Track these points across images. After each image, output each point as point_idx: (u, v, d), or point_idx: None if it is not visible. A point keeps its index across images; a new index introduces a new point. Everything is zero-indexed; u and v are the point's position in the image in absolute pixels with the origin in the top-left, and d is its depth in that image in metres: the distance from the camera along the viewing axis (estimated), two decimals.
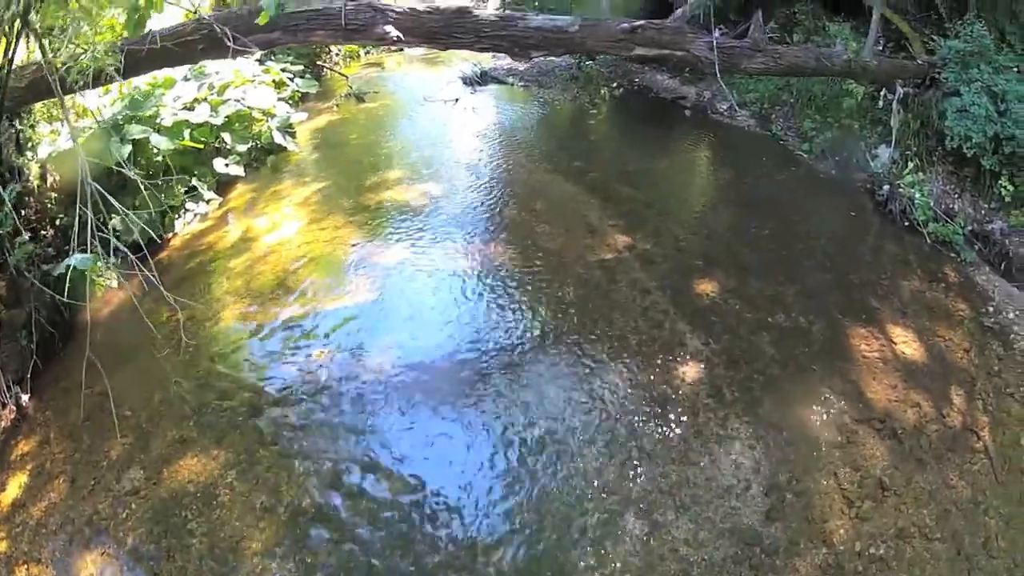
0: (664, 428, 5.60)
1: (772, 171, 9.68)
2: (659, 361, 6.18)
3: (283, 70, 12.27)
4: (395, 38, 6.49)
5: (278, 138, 10.43)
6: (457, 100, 12.21)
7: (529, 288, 7.07)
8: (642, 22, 7.05)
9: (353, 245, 7.92)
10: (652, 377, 6.02)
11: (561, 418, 5.69)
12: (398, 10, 6.66)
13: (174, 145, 8.74)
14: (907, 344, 6.59)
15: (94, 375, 5.80)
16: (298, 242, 8.08)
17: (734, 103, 11.22)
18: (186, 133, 9.12)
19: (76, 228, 5.79)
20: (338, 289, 7.23)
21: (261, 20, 5.29)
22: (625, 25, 7.07)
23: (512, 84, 13.17)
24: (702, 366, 6.12)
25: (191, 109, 9.65)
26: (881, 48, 9.61)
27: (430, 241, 7.93)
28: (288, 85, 12.17)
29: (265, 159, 10.47)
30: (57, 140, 7.69)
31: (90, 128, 8.11)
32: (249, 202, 9.36)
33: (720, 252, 7.72)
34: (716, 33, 7.50)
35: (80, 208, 5.75)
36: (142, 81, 9.23)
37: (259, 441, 5.68)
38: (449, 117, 11.70)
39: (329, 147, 10.83)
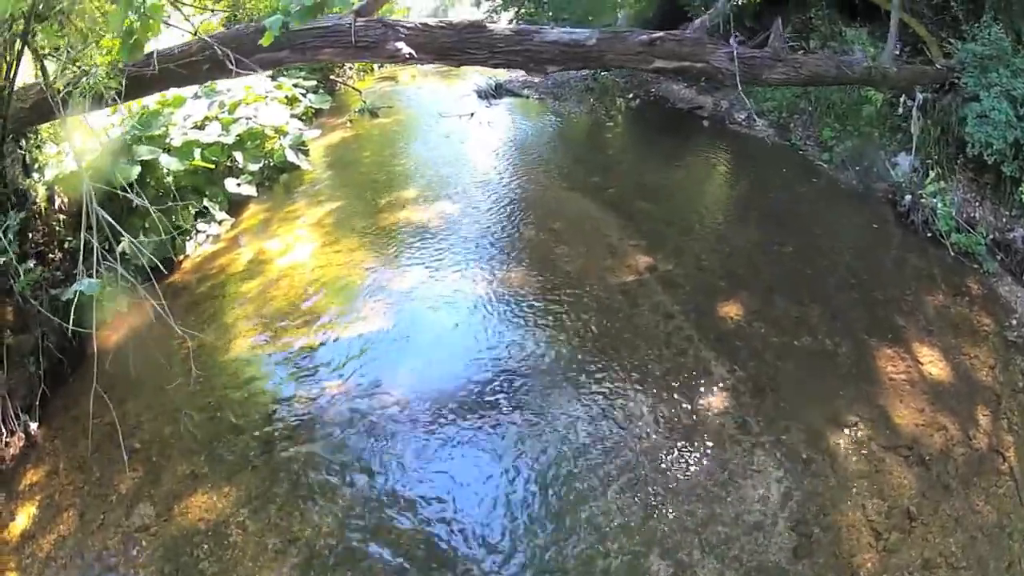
0: (689, 463, 5.34)
1: (792, 182, 9.43)
2: (684, 391, 5.91)
3: (295, 86, 12.10)
4: (407, 55, 6.23)
5: (291, 156, 10.26)
6: (472, 115, 12.02)
7: (549, 316, 6.82)
8: (661, 34, 6.79)
9: (368, 269, 7.72)
10: (677, 408, 5.76)
11: (583, 454, 5.43)
12: (409, 25, 6.40)
13: (184, 166, 8.58)
14: (933, 364, 6.34)
15: (103, 405, 5.59)
16: (311, 265, 7.89)
17: (752, 112, 10.93)
18: (196, 153, 8.93)
19: (82, 253, 5.56)
20: (353, 316, 7.01)
21: (265, 41, 5.03)
22: (644, 37, 6.82)
23: (527, 97, 12.97)
24: (728, 395, 5.85)
25: (201, 128, 9.51)
26: (898, 53, 9.28)
27: (446, 265, 7.71)
28: (301, 101, 12.00)
29: (278, 178, 10.32)
30: (64, 161, 7.46)
31: (97, 150, 7.87)
32: (262, 223, 9.19)
33: (743, 270, 7.46)
34: (734, 43, 7.20)
35: (85, 234, 5.55)
36: (152, 100, 9.06)
37: (271, 478, 5.45)
38: (464, 132, 11.54)
39: (343, 165, 10.68)
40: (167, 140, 8.75)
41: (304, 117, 12.06)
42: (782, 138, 10.33)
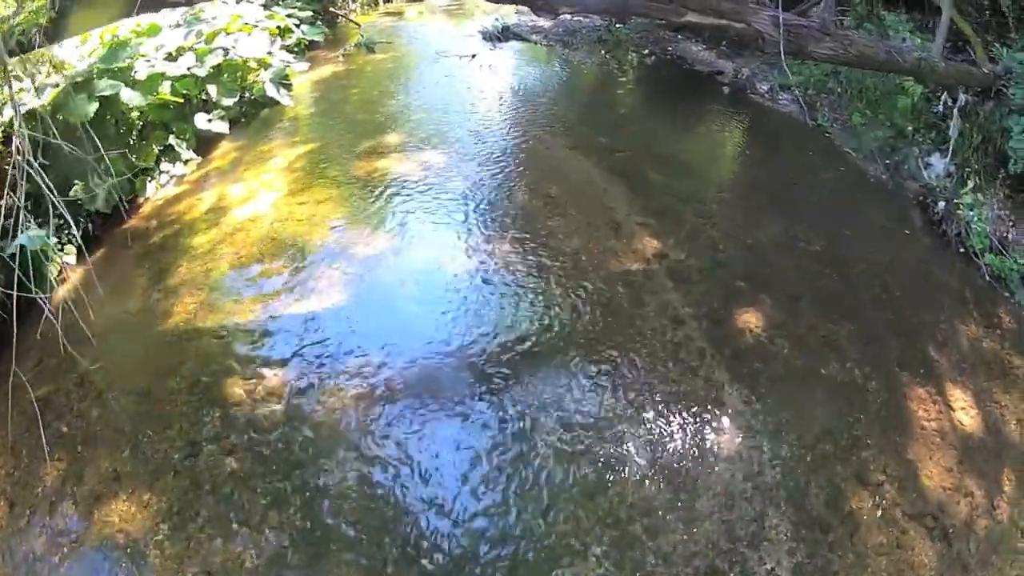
0: (689, 526, 4.38)
1: (819, 169, 8.34)
2: (690, 425, 4.91)
3: (290, 16, 10.72)
4: None
5: (271, 91, 9.04)
6: (474, 56, 10.64)
7: (534, 308, 5.66)
8: None
9: (332, 228, 6.56)
10: (680, 450, 4.78)
11: (561, 510, 4.41)
12: None
13: (147, 100, 7.47)
14: (965, 411, 5.52)
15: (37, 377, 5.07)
16: (272, 218, 6.76)
17: (775, 85, 9.72)
18: (166, 86, 7.81)
19: (20, 202, 4.82)
20: (306, 287, 5.88)
21: None
22: None
23: (535, 42, 11.58)
24: (741, 436, 4.89)
25: (174, 59, 8.35)
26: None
27: (422, 230, 6.52)
28: (293, 32, 10.64)
29: (257, 113, 9.11)
30: (24, 98, 6.40)
31: (57, 85, 6.86)
32: (230, 164, 8.05)
33: (766, 271, 6.38)
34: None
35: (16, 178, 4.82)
36: (126, 29, 8.02)
37: (194, 489, 4.53)
38: (464, 75, 10.17)
39: (328, 103, 9.43)
40: (132, 73, 7.59)
41: (296, 49, 10.73)
42: (807, 117, 9.14)
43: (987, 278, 6.96)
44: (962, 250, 7.21)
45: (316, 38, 11.33)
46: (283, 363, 5.22)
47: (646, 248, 6.37)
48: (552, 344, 5.35)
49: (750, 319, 5.74)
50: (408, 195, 6.96)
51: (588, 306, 5.67)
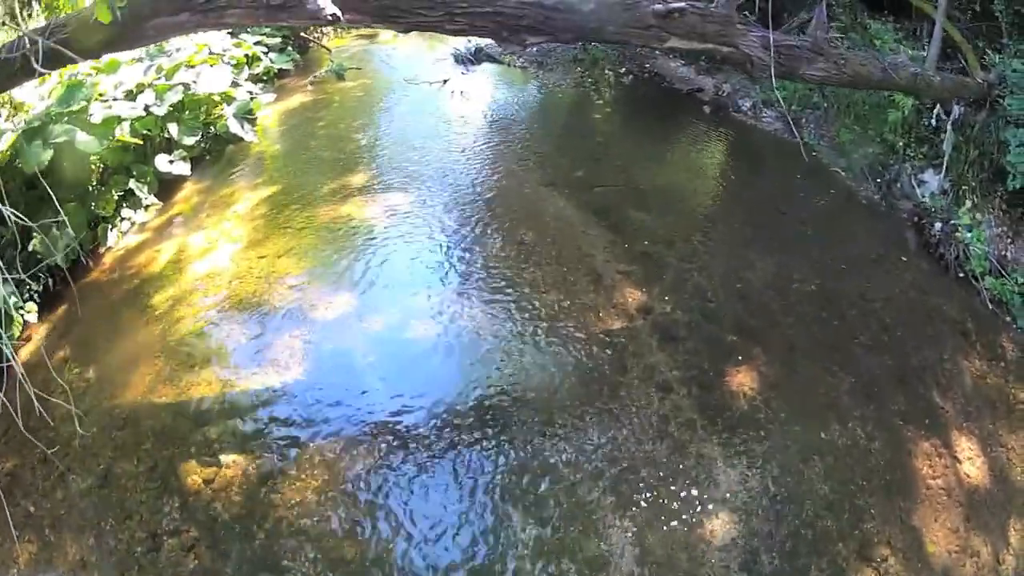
0: None
1: (808, 192, 7.86)
2: (681, 513, 4.38)
3: (258, 43, 10.13)
4: (330, 17, 4.38)
5: (234, 127, 8.49)
6: (445, 82, 10.05)
7: (508, 379, 5.15)
8: (681, 4, 5.04)
9: (292, 287, 6.02)
10: (670, 541, 4.26)
11: None
12: None
13: (103, 146, 6.90)
14: (971, 461, 5.09)
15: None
16: (230, 275, 6.26)
17: (758, 102, 9.20)
18: (125, 126, 7.26)
19: None
20: (267, 357, 5.37)
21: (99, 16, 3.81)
22: (659, 7, 5.03)
23: (509, 64, 11.08)
24: (736, 520, 4.40)
25: (133, 98, 7.75)
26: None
27: (387, 287, 6.01)
28: (262, 60, 10.05)
29: (221, 150, 8.58)
30: None
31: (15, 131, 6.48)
32: (192, 209, 7.56)
33: (758, 319, 5.88)
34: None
35: None
36: (85, 65, 7.34)
37: None
38: (435, 103, 9.64)
39: (293, 138, 8.92)
40: (88, 115, 7.02)
41: (265, 77, 10.18)
42: (792, 135, 8.59)
43: (988, 304, 6.50)
44: (961, 274, 6.77)
45: (285, 66, 10.79)
46: (242, 447, 4.77)
47: (629, 302, 5.87)
48: (526, 424, 4.85)
49: (743, 380, 5.25)
50: (372, 246, 6.47)
51: (566, 376, 5.20)
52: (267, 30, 10.80)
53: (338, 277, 6.07)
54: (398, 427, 4.82)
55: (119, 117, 7.24)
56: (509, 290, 5.90)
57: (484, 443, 4.72)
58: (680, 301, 5.89)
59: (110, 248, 7.00)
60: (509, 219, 6.90)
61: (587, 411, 4.92)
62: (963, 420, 5.32)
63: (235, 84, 9.11)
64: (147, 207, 7.49)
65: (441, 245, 6.50)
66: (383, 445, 4.69)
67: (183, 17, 4.51)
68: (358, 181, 7.54)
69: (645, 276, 6.14)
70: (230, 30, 9.91)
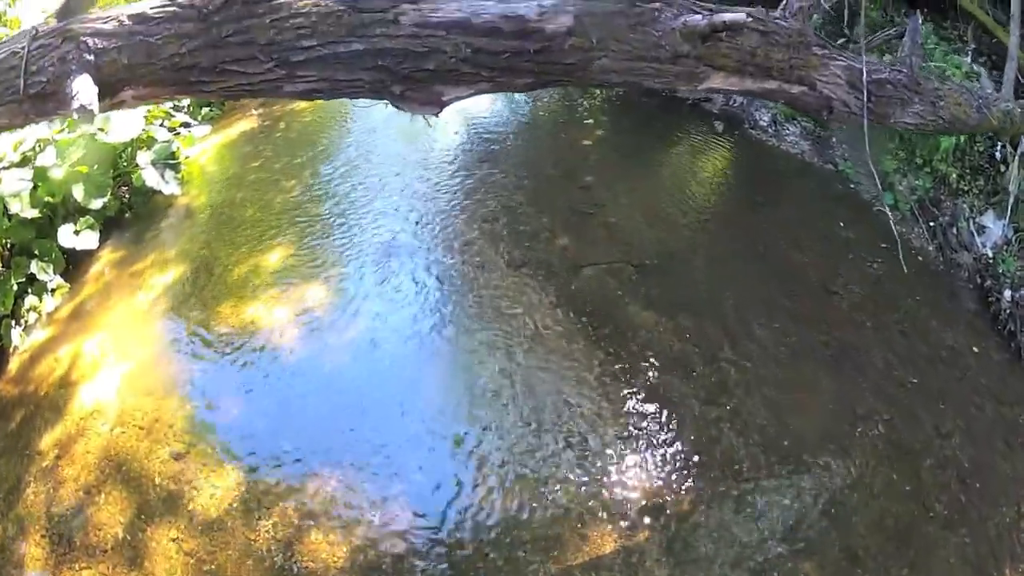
0: None
1: (857, 251, 6.20)
2: None
3: None
4: (80, 107, 2.64)
5: (151, 179, 6.91)
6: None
7: None
8: (737, 15, 3.02)
9: (174, 455, 4.55)
10: None
11: None
12: (106, 28, 2.86)
13: None
14: None
15: None
16: (114, 417, 4.84)
17: (779, 114, 7.53)
18: (15, 203, 5.90)
19: None
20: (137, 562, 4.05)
21: None
22: (694, 21, 3.04)
23: None
24: None
25: (33, 159, 6.32)
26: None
27: (278, 463, 4.44)
28: None
29: (145, 204, 7.10)
30: None
31: None
32: (100, 292, 6.11)
33: (816, 518, 4.25)
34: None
35: None
36: None
37: None
38: (391, 129, 7.69)
39: (219, 186, 7.23)
40: None
41: (203, 107, 8.43)
42: (822, 158, 6.98)
43: None
44: None
45: None
46: None
47: (629, 500, 4.23)
48: None
49: None
50: (270, 383, 4.91)
51: None
52: None
53: (226, 445, 4.54)
54: None
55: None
56: (448, 490, 4.25)
57: None
58: (703, 491, 4.25)
59: (17, 348, 5.67)
60: (463, 334, 5.20)
61: None
62: None
63: (170, 115, 7.54)
64: (54, 291, 6.11)
65: (358, 394, 4.83)
66: None
67: None
68: (275, 259, 5.92)
69: (652, 440, 4.49)
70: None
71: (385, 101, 3.17)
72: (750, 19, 3.12)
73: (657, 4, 3.09)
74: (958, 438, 4.71)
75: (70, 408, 5.00)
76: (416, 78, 3.05)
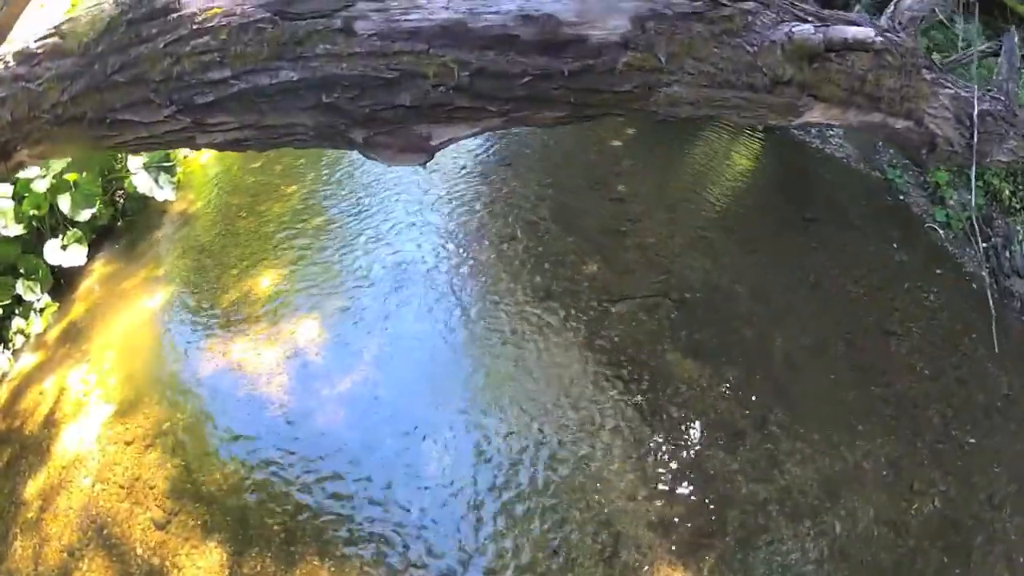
0: None
1: (912, 280, 5.52)
2: None
3: None
4: None
5: (143, 185, 6.43)
6: None
7: None
8: (865, 30, 2.38)
9: (152, 521, 4.13)
10: None
11: None
12: None
13: None
14: None
15: None
16: (95, 471, 4.42)
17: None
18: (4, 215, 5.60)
19: None
20: None
21: None
22: (806, 30, 2.26)
23: None
24: None
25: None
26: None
27: (268, 542, 3.94)
28: None
29: (139, 211, 6.64)
30: None
31: None
32: (89, 311, 5.69)
33: None
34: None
35: None
36: None
37: None
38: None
39: (215, 191, 6.70)
40: None
41: None
42: (869, 165, 6.34)
43: None
44: None
45: None
46: None
47: None
48: None
49: None
50: (255, 456, 4.32)
51: None
52: None
53: (205, 521, 4.05)
54: None
55: None
56: None
57: None
58: None
59: (5, 376, 5.29)
60: (474, 393, 4.49)
61: None
62: None
63: None
64: (41, 311, 5.71)
65: (356, 465, 4.19)
66: None
67: None
68: (267, 285, 5.33)
69: (695, 532, 3.84)
70: None
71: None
72: (880, 38, 2.40)
73: (750, 4, 2.26)
74: (1009, 508, 4.19)
75: (53, 452, 4.61)
76: (384, 118, 2.14)
